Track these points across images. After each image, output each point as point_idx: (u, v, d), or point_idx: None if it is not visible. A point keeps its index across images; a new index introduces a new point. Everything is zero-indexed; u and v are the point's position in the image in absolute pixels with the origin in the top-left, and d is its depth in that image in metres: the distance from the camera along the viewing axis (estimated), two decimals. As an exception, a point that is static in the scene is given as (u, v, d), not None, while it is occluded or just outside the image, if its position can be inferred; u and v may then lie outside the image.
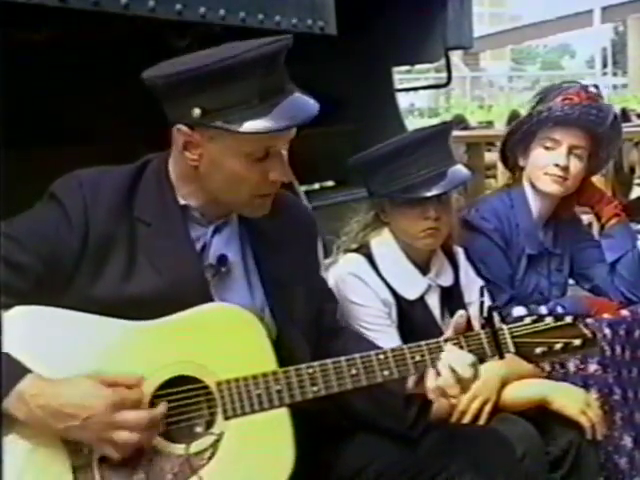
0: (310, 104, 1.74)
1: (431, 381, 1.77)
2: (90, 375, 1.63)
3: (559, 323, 1.84)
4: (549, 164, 2.58)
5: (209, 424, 1.69)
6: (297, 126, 1.74)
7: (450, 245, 2.43)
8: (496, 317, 1.86)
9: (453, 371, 1.75)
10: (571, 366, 2.43)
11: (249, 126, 1.67)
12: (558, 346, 1.83)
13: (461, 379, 1.76)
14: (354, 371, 1.74)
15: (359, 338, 2.02)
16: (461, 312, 1.85)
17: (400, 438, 1.90)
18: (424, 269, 2.36)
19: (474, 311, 2.40)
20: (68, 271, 1.71)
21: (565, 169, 2.58)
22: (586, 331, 1.84)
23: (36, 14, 2.16)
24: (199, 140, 1.73)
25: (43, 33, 2.73)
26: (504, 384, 2.24)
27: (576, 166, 2.59)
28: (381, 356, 1.76)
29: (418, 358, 1.78)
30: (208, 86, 1.68)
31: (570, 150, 2.58)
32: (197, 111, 1.69)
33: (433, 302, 2.35)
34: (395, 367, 1.76)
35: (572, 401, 2.23)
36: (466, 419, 2.18)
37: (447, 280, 2.39)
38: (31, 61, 2.80)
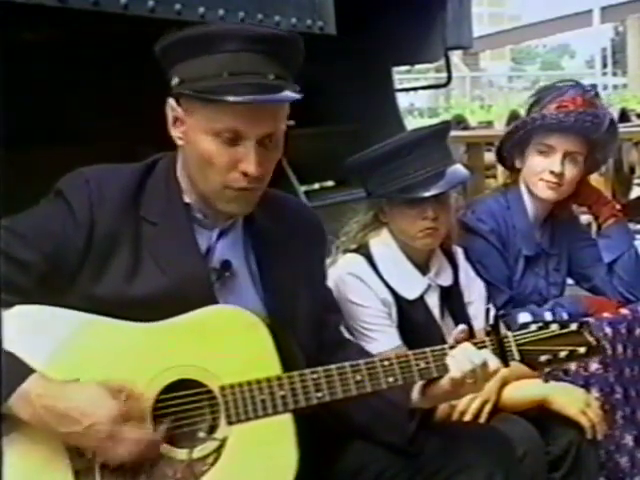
0: (286, 93, 1.72)
1: (455, 371, 1.76)
2: (90, 375, 1.63)
3: (564, 330, 1.83)
4: (544, 170, 2.58)
5: (212, 429, 1.68)
6: (258, 103, 1.69)
7: (449, 245, 2.43)
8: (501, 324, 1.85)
9: (470, 361, 1.76)
10: (572, 365, 2.43)
11: (211, 96, 1.67)
12: (563, 354, 1.82)
13: (476, 369, 1.76)
14: (358, 377, 1.73)
15: (361, 352, 1.99)
16: (461, 327, 1.84)
17: (399, 451, 1.88)
18: (423, 269, 2.36)
19: (474, 311, 2.41)
20: (72, 269, 1.70)
21: (560, 175, 2.57)
22: (591, 339, 1.83)
23: (36, 14, 2.16)
24: (183, 115, 1.73)
25: (43, 33, 2.73)
26: (504, 384, 2.24)
27: (571, 171, 2.59)
28: (385, 362, 1.75)
29: (423, 365, 1.77)
30: (184, 55, 1.70)
31: (565, 156, 2.57)
32: (176, 80, 1.72)
33: (433, 302, 2.35)
34: (400, 374, 1.75)
35: (572, 401, 2.23)
36: (466, 419, 2.18)
37: (446, 280, 2.39)
38: (31, 61, 2.80)
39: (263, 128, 1.72)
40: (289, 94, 1.72)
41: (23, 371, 1.59)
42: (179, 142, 1.76)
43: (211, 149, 1.71)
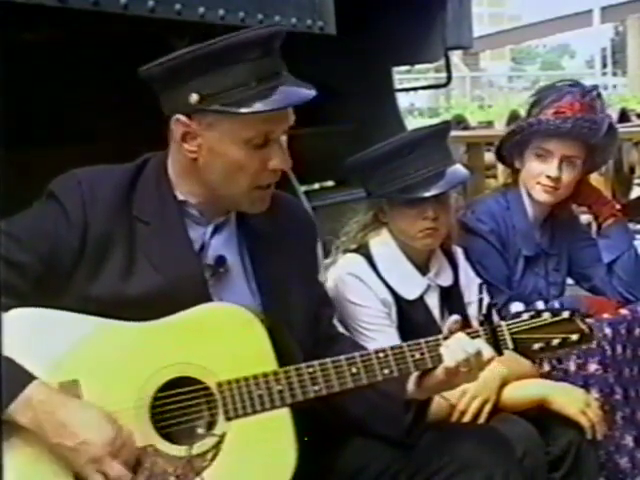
0: (306, 88, 1.74)
1: (449, 360, 1.77)
2: (88, 375, 1.64)
3: (556, 318, 1.84)
4: (541, 174, 2.59)
5: (210, 425, 1.69)
6: (294, 105, 1.74)
7: (449, 245, 2.43)
8: (494, 314, 1.86)
9: (464, 350, 1.77)
10: (572, 365, 2.43)
11: (247, 108, 1.68)
12: (556, 341, 1.83)
13: (470, 359, 1.77)
14: (354, 370, 1.74)
15: (355, 345, 2.00)
16: (455, 318, 1.85)
17: (396, 444, 1.89)
18: (423, 269, 2.36)
19: (474, 311, 2.40)
20: (67, 270, 1.71)
21: (556, 180, 2.58)
22: (583, 326, 1.84)
23: (36, 14, 2.16)
24: (197, 129, 1.72)
25: (43, 33, 2.73)
26: (504, 384, 2.24)
27: (569, 175, 2.59)
28: (381, 354, 1.77)
29: (418, 356, 1.78)
30: (204, 70, 1.68)
31: (562, 160, 2.58)
32: (194, 97, 1.69)
33: (432, 302, 2.35)
34: (395, 365, 1.77)
35: (572, 401, 2.23)
36: (466, 419, 2.18)
37: (446, 280, 2.39)
38: (31, 61, 2.80)
39: (285, 125, 1.76)
40: (311, 88, 1.74)
41: (24, 378, 1.59)
42: (191, 155, 1.75)
43: (241, 156, 1.72)
